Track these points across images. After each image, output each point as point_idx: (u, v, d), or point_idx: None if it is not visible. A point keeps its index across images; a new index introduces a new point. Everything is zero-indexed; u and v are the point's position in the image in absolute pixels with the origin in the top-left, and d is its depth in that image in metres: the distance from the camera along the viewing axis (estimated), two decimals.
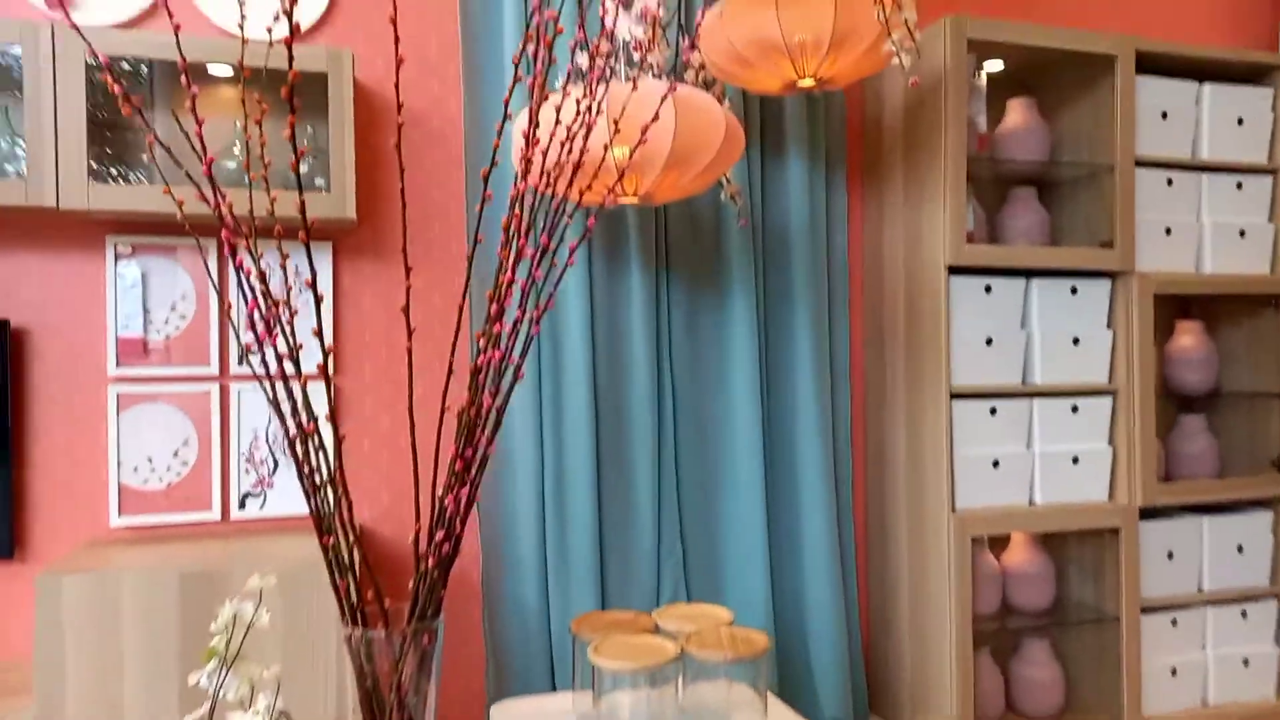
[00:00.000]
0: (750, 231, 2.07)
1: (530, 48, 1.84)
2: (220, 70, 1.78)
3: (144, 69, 1.78)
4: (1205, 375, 2.34)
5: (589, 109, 1.28)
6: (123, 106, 0.69)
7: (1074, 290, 2.16)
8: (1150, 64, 2.23)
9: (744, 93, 2.07)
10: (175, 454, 1.80)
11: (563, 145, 1.36)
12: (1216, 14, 2.67)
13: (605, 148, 1.30)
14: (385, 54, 1.95)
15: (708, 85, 1.93)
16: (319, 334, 0.69)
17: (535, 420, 1.94)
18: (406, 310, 0.71)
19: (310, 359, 1.81)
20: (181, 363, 1.79)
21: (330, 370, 1.62)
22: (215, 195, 0.74)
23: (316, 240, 1.89)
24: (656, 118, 1.01)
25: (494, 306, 1.19)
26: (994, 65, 2.26)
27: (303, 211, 0.70)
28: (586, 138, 1.18)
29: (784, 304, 2.15)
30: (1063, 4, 2.52)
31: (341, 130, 1.73)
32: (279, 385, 0.92)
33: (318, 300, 0.71)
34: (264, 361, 0.73)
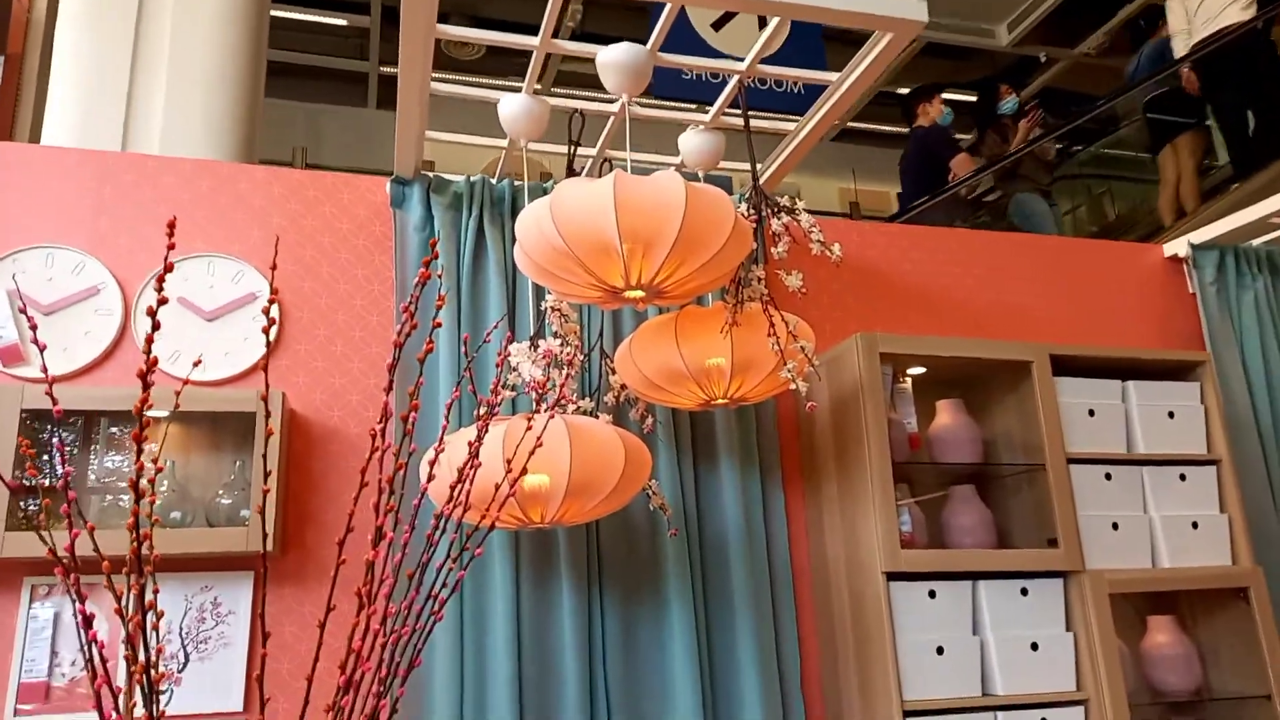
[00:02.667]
0: (685, 540, 2.06)
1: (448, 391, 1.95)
2: (157, 413, 1.88)
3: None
4: (1186, 676, 2.21)
5: (475, 452, 1.33)
6: (29, 469, 0.73)
7: (1024, 591, 2.10)
8: (1068, 366, 2.32)
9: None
10: None
11: (452, 485, 1.40)
12: (1143, 314, 2.81)
13: (496, 486, 1.34)
14: (326, 386, 2.07)
15: (630, 404, 2.02)
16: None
17: None
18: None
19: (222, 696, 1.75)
20: (83, 708, 1.73)
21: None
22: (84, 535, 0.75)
23: (238, 570, 1.90)
24: (538, 446, 1.08)
25: (342, 677, 1.16)
26: (916, 370, 2.35)
27: None
28: (472, 476, 1.21)
29: (725, 613, 2.09)
30: (986, 318, 2.67)
31: (263, 469, 1.79)
32: None
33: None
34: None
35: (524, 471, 1.36)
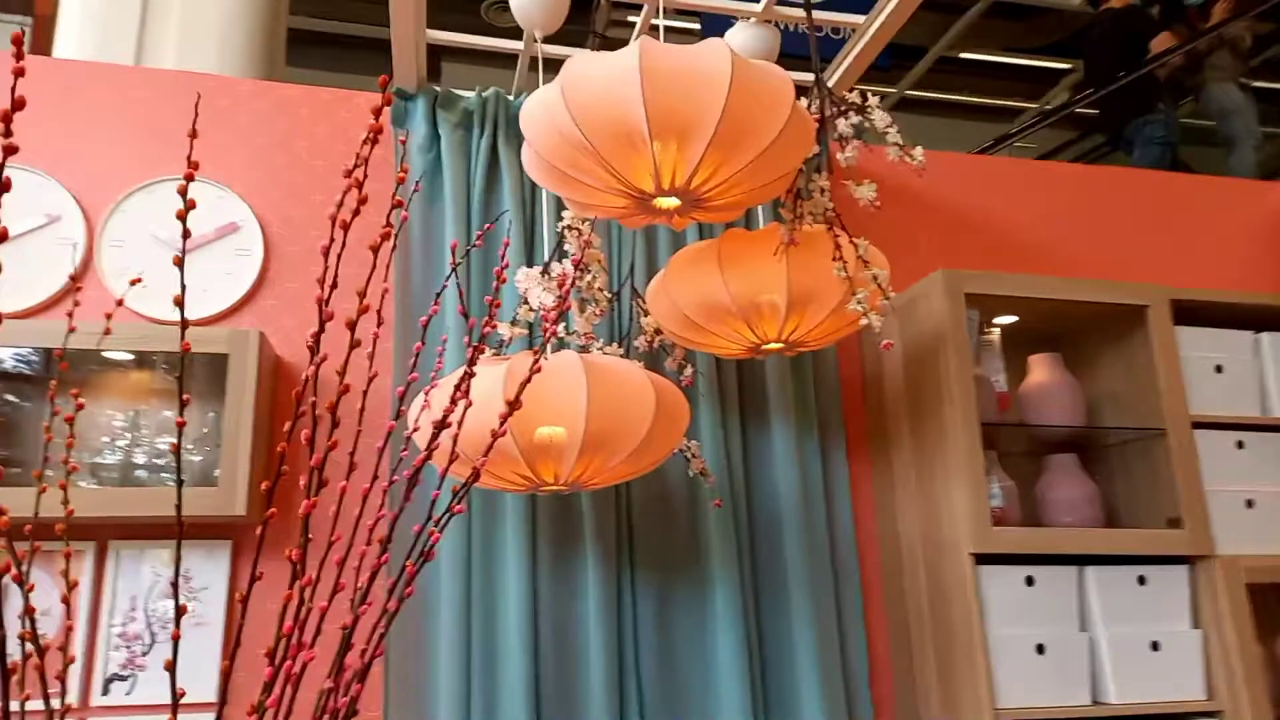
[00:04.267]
0: (730, 512, 1.75)
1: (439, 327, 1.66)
2: (119, 355, 1.63)
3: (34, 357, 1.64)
4: None
5: (464, 389, 1.05)
6: None
7: (1141, 580, 1.74)
8: (1191, 314, 1.94)
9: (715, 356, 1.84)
10: None
11: (435, 424, 1.10)
12: (1274, 259, 2.41)
13: (493, 433, 1.05)
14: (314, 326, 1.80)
15: (666, 351, 1.71)
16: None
17: None
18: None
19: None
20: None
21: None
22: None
23: (212, 538, 1.64)
24: (531, 377, 0.79)
25: (269, 670, 0.88)
26: (1005, 319, 2.00)
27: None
28: (461, 417, 0.94)
29: (778, 598, 1.78)
30: (1087, 260, 2.30)
31: (238, 418, 1.53)
32: None
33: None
34: None
35: (516, 404, 1.06)
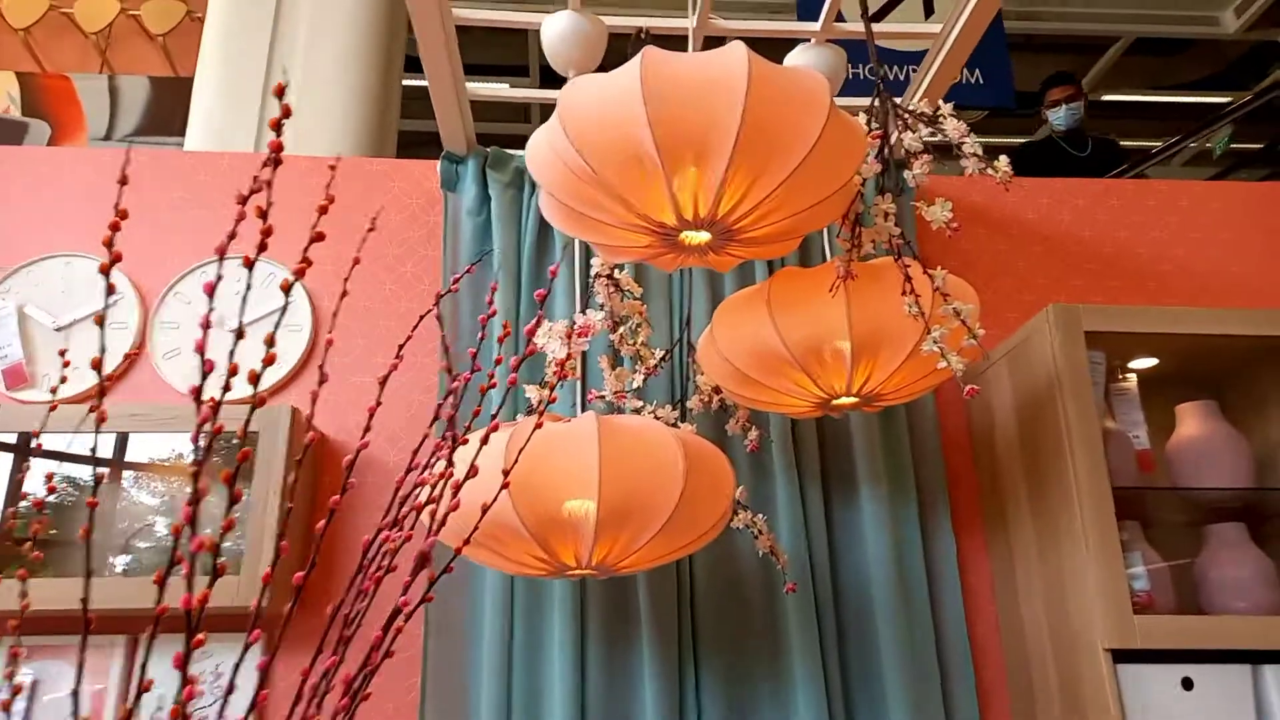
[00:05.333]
0: (810, 597, 1.51)
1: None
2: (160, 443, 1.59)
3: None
4: None
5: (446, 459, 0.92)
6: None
7: None
8: None
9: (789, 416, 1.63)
10: None
11: (420, 508, 0.99)
12: None
13: (484, 507, 0.90)
14: (364, 405, 1.71)
15: (729, 412, 1.52)
16: None
17: None
18: None
19: None
20: None
21: None
22: None
23: (239, 631, 1.53)
24: (474, 472, 0.66)
25: None
26: (1143, 362, 1.70)
27: None
28: (442, 490, 0.82)
29: (873, 700, 1.51)
30: (1235, 289, 1.96)
31: (265, 501, 1.44)
32: None
33: None
34: None
35: (505, 484, 0.91)
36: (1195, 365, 1.71)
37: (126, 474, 1.64)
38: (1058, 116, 3.49)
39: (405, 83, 3.25)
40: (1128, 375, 1.70)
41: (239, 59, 2.81)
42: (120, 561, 1.53)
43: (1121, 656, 1.33)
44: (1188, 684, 1.35)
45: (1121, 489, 1.49)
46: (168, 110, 4.02)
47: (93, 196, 1.84)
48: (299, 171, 1.90)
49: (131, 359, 1.71)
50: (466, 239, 1.76)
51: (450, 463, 0.88)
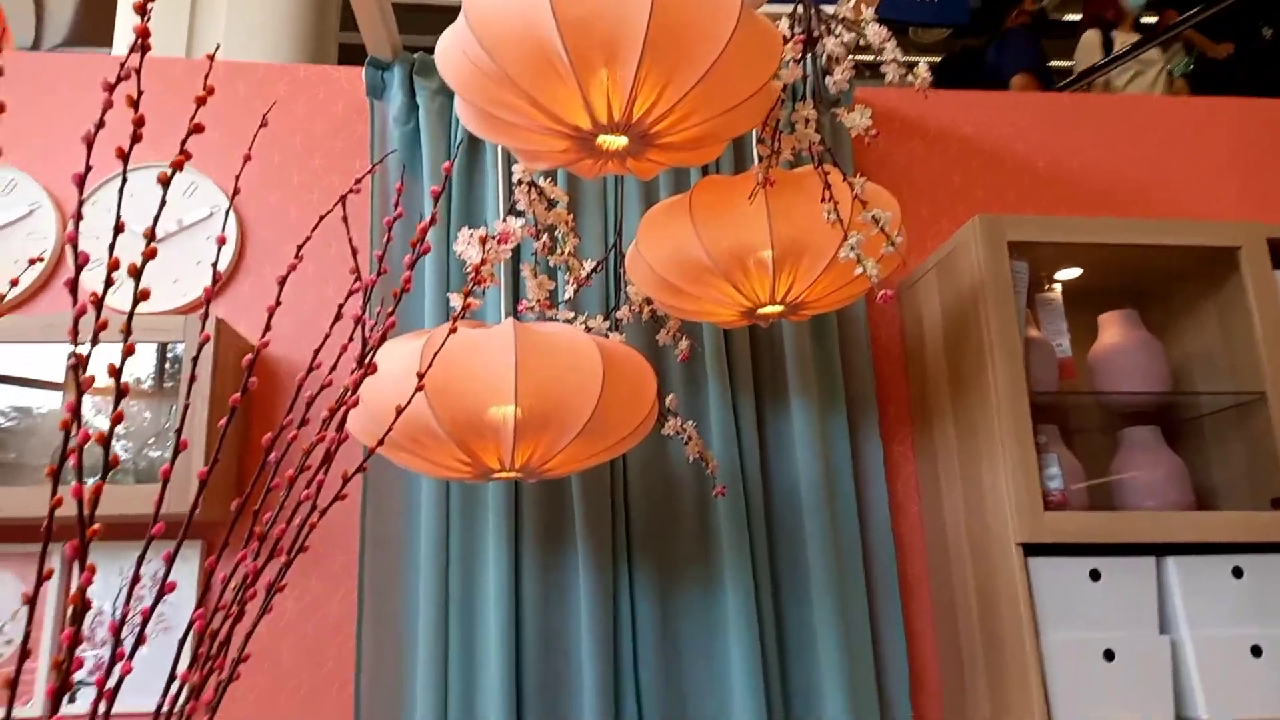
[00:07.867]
0: (742, 501, 1.55)
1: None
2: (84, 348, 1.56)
3: None
4: None
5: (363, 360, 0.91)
6: None
7: (1237, 572, 1.45)
8: None
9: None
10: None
11: (330, 409, 0.99)
12: None
13: (398, 409, 0.90)
14: (294, 315, 1.70)
15: (660, 323, 1.53)
16: None
17: None
18: None
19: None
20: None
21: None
22: None
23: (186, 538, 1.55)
24: (372, 369, 0.65)
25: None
26: (1068, 272, 1.73)
27: None
28: (352, 387, 0.82)
29: (800, 600, 1.56)
30: (1161, 199, 1.99)
31: (193, 410, 1.43)
32: None
33: None
34: None
35: (420, 386, 0.92)
36: (1119, 276, 1.74)
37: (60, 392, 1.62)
38: None
39: None
40: (1053, 285, 1.73)
41: None
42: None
43: (1032, 550, 1.40)
44: (1095, 575, 1.42)
45: (1042, 394, 1.54)
46: (96, 20, 3.86)
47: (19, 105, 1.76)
48: (216, 79, 1.83)
49: (52, 269, 1.67)
50: (394, 147, 1.72)
51: (360, 364, 0.88)
